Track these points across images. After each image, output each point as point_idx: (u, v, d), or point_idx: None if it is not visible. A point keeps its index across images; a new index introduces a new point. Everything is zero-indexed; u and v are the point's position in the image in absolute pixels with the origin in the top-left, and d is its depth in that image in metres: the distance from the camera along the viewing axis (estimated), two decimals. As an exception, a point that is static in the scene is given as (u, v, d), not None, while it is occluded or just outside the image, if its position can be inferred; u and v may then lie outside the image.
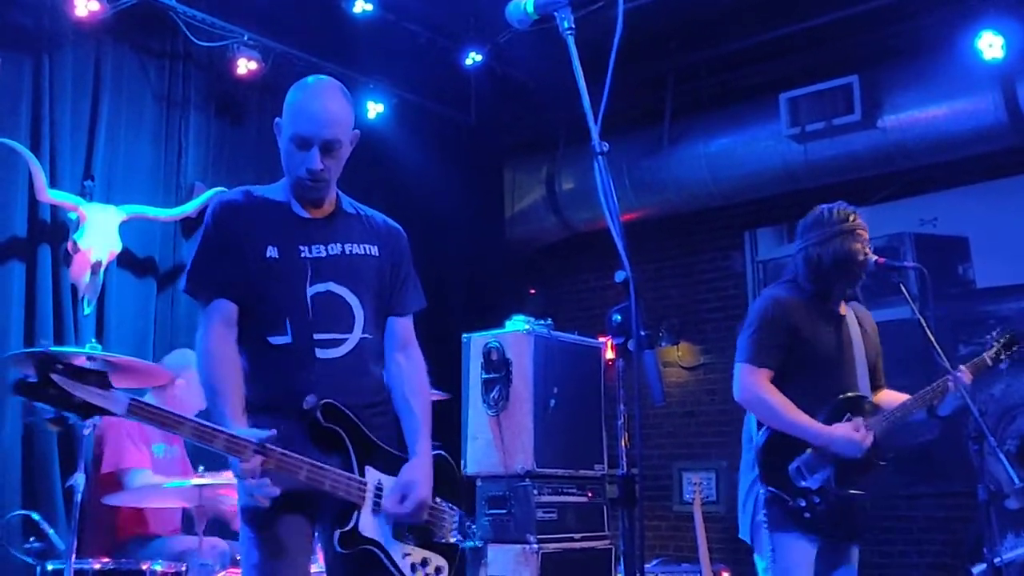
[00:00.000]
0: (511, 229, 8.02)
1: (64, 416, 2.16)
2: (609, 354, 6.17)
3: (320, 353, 2.56)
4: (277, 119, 2.68)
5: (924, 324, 3.53)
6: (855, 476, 3.48)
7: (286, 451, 2.40)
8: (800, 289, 3.63)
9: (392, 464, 2.62)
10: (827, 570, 3.48)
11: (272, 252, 2.59)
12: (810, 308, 3.60)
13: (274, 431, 2.37)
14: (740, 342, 3.60)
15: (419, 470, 2.62)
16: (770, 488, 3.42)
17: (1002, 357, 3.75)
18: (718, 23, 6.85)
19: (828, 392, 3.54)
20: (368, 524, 2.54)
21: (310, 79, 2.72)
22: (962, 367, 3.61)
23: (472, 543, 4.96)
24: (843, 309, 3.68)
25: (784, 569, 3.39)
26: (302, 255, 2.61)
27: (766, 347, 3.53)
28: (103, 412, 2.19)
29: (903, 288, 3.68)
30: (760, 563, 3.49)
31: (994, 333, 3.82)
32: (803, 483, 3.42)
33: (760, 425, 3.53)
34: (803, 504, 3.39)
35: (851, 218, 3.60)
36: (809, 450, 3.44)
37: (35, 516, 4.15)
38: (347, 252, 2.68)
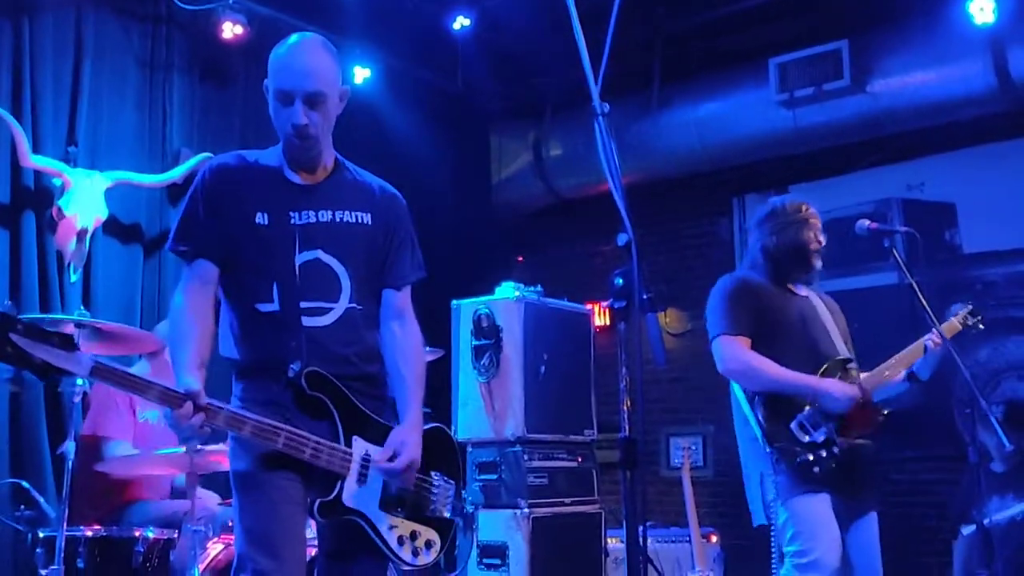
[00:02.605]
0: (498, 195, 7.96)
1: (23, 376, 2.15)
2: (598, 320, 6.17)
3: (306, 321, 2.53)
4: (265, 81, 2.62)
5: (917, 289, 3.55)
6: (857, 428, 3.52)
7: (238, 412, 2.41)
8: (759, 274, 3.72)
9: (381, 435, 2.57)
10: (847, 536, 3.49)
11: (261, 218, 2.56)
12: (771, 288, 3.69)
13: (200, 386, 2.35)
14: (710, 319, 3.66)
15: (408, 434, 2.57)
16: (776, 446, 3.44)
17: (969, 324, 3.83)
18: (707, -13, 6.80)
19: (808, 355, 3.58)
20: (352, 494, 2.50)
21: (292, 36, 2.66)
22: (932, 332, 3.65)
23: (465, 508, 4.96)
24: (803, 291, 3.76)
25: (810, 529, 3.39)
26: (291, 221, 2.57)
27: (738, 316, 3.59)
28: (64, 373, 2.19)
29: (895, 253, 3.70)
30: (783, 536, 3.45)
31: (959, 304, 3.90)
32: (807, 439, 3.45)
33: (749, 398, 3.55)
34: (810, 458, 3.41)
35: (803, 208, 3.73)
36: (808, 407, 3.47)
37: (25, 484, 4.13)
38: (337, 219, 2.62)
